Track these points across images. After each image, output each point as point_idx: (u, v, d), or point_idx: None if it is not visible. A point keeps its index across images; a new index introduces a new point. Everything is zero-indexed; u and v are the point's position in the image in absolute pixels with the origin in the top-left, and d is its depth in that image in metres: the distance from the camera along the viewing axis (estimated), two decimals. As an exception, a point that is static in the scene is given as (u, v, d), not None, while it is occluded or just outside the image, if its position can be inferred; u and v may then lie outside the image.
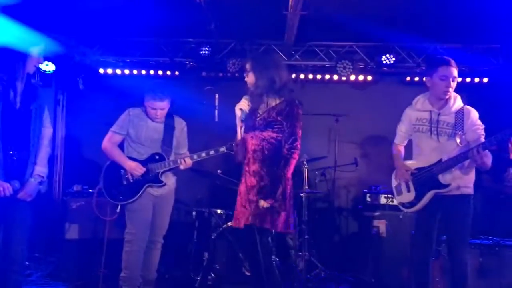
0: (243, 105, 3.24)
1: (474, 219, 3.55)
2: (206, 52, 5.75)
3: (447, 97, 3.53)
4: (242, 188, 3.30)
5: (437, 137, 3.54)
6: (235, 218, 3.34)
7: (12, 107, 3.10)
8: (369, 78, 6.22)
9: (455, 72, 3.51)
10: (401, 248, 4.80)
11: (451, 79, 3.48)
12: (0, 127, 3.04)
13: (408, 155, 3.84)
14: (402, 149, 3.89)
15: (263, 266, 3.16)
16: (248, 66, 3.36)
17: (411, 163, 3.69)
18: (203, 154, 4.06)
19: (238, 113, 3.23)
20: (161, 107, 4.05)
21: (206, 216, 4.93)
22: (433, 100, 3.61)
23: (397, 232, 4.95)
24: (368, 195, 5.47)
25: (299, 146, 3.24)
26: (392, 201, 5.03)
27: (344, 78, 5.97)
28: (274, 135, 3.23)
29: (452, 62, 3.51)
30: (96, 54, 6.02)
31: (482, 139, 3.46)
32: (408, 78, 6.19)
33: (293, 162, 3.23)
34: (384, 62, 5.73)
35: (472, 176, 3.56)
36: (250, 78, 3.33)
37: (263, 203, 3.15)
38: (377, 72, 6.10)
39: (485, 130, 3.55)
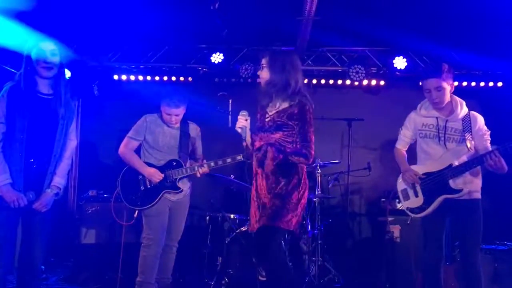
0: (242, 122, 3.16)
1: (487, 224, 3.54)
2: (219, 58, 5.79)
3: (441, 106, 3.54)
4: (253, 191, 3.22)
5: (444, 143, 3.53)
6: (250, 222, 3.26)
7: (37, 115, 3.10)
8: (382, 83, 6.22)
9: (436, 83, 3.49)
10: (415, 253, 4.78)
11: (434, 91, 3.49)
12: (25, 135, 3.04)
13: (409, 160, 3.81)
14: (405, 154, 3.85)
15: (277, 266, 3.06)
16: (264, 61, 3.19)
17: (418, 168, 3.66)
18: (220, 162, 4.07)
19: (239, 131, 3.17)
20: (176, 113, 4.08)
21: (220, 220, 4.95)
22: (436, 107, 3.61)
23: (411, 237, 4.92)
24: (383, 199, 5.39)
25: (313, 152, 3.08)
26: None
27: (356, 83, 5.98)
28: (283, 137, 3.10)
29: (433, 75, 3.50)
30: (110, 60, 6.11)
31: (488, 145, 3.48)
32: (421, 83, 6.14)
33: (304, 166, 3.15)
34: (396, 67, 5.72)
35: (480, 181, 3.55)
36: (264, 74, 3.18)
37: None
38: (390, 76, 6.09)
39: (500, 133, 3.56)
